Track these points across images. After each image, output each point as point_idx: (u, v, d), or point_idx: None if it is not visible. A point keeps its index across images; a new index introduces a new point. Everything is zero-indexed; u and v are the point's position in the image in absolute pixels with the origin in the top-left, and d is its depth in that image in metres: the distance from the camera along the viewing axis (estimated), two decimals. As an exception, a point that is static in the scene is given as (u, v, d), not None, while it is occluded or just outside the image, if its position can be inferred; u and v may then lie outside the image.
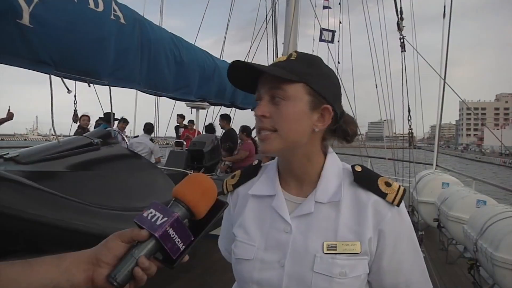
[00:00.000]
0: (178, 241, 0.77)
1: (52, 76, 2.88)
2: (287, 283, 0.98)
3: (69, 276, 0.72)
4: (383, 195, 1.00)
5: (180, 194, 0.82)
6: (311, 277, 0.96)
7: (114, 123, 7.43)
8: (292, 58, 1.02)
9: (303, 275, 0.97)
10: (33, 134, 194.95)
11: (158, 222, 0.76)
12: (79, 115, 7.30)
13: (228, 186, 1.21)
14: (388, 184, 1.02)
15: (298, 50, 1.06)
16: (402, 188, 1.03)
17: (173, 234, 0.76)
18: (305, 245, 0.99)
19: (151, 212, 0.78)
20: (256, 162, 1.22)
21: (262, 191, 1.11)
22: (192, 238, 0.80)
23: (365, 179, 1.04)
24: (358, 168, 1.06)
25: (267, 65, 1.07)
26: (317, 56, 1.08)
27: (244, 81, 1.05)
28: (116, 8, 3.43)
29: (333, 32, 12.84)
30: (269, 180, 1.12)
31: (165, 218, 0.76)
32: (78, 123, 7.44)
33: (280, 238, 1.02)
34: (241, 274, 1.06)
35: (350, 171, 1.06)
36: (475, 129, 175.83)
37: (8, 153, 2.88)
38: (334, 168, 1.07)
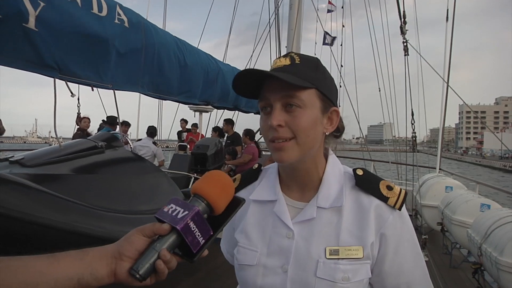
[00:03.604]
0: (198, 235, 0.78)
1: (56, 79, 2.88)
2: None
3: (93, 269, 0.74)
4: (384, 199, 1.01)
5: (200, 189, 0.83)
6: (314, 282, 0.96)
7: (116, 127, 7.48)
8: (296, 61, 1.00)
9: (306, 280, 0.97)
10: (33, 137, 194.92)
11: (179, 216, 0.77)
12: (80, 118, 7.38)
13: None
14: (389, 188, 1.03)
15: (300, 53, 1.05)
16: (403, 191, 1.03)
17: (193, 228, 0.77)
18: (307, 250, 0.99)
19: (171, 207, 0.79)
20: (256, 166, 1.22)
21: (263, 196, 1.11)
22: (211, 233, 0.81)
23: (366, 183, 1.04)
24: (360, 172, 1.07)
25: (269, 69, 1.05)
26: (316, 57, 1.06)
27: (248, 87, 1.03)
28: (120, 12, 3.44)
29: (334, 37, 12.94)
30: (270, 185, 1.12)
31: (186, 212, 0.78)
32: (78, 126, 7.53)
33: (283, 244, 1.02)
34: (245, 279, 1.06)
35: (351, 175, 1.07)
36: (475, 133, 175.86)
37: (13, 156, 2.88)
38: (335, 171, 1.08)
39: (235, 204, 0.86)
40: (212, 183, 0.84)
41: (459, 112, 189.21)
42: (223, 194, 0.84)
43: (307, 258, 0.98)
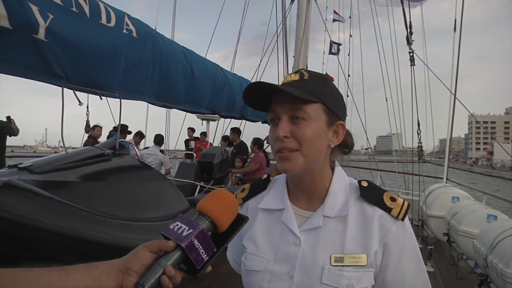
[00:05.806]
0: (202, 252, 0.81)
1: (65, 88, 2.94)
2: None
3: (101, 283, 0.77)
4: (388, 210, 1.04)
5: (204, 208, 0.87)
6: None
7: (126, 135, 7.53)
8: (305, 77, 1.05)
9: (312, 286, 1.00)
10: (42, 146, 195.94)
11: (184, 234, 0.81)
12: (91, 126, 7.45)
13: (238, 199, 1.24)
14: (393, 199, 1.07)
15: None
16: (406, 203, 1.07)
17: (197, 245, 0.81)
18: (313, 257, 1.02)
19: (177, 225, 0.83)
20: (265, 176, 1.26)
21: (271, 205, 1.15)
22: (215, 250, 0.84)
23: (371, 194, 1.08)
24: (365, 184, 1.10)
25: (278, 80, 1.09)
26: (324, 74, 1.12)
27: (257, 99, 1.08)
28: (128, 22, 3.50)
29: (339, 44, 12.95)
30: (278, 194, 1.16)
31: (191, 230, 0.81)
32: (90, 133, 7.59)
33: (289, 251, 1.05)
34: (251, 285, 1.09)
35: (356, 186, 1.11)
36: (485, 143, 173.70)
37: (22, 163, 2.93)
38: (341, 183, 1.12)
39: (239, 221, 0.90)
40: (216, 202, 0.88)
41: (469, 122, 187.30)
42: (227, 212, 0.88)
43: (313, 265, 1.01)
